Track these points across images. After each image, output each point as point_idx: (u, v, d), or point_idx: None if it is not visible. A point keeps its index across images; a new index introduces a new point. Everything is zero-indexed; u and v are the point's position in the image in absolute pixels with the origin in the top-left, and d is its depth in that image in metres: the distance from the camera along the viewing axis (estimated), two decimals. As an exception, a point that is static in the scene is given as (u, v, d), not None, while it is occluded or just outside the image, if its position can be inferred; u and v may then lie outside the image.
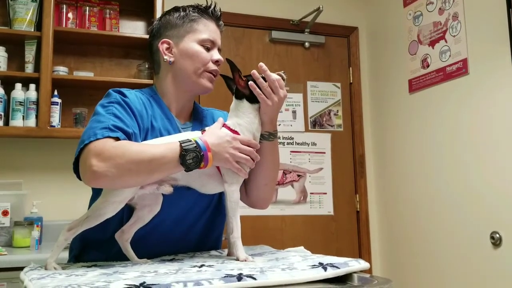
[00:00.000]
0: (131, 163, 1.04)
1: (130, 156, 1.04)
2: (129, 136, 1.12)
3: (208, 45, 1.29)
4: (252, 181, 1.28)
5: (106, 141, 1.06)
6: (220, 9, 1.35)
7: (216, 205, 1.32)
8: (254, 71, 1.18)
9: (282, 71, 1.21)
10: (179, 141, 1.07)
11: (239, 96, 1.20)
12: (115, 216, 1.10)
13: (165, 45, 1.29)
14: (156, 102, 1.28)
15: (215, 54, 1.30)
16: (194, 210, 1.27)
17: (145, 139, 1.19)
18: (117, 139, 1.08)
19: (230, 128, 1.17)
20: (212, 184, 1.18)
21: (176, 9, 1.33)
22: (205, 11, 1.32)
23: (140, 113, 1.20)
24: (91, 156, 1.04)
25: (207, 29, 1.30)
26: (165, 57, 1.28)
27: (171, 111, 1.30)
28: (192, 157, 1.06)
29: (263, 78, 1.17)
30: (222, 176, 1.16)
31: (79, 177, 1.10)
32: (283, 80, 1.19)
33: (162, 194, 1.16)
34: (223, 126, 1.17)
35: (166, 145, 1.08)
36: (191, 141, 1.08)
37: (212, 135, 1.12)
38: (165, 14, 1.35)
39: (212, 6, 1.34)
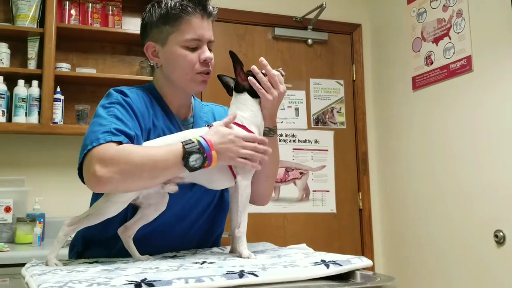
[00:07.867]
0: (134, 168, 1.03)
1: (134, 161, 1.03)
2: (131, 139, 1.10)
3: (193, 46, 1.20)
4: (253, 177, 1.27)
5: (108, 146, 1.05)
6: None
7: (218, 202, 1.31)
8: (254, 67, 1.18)
9: (281, 68, 1.22)
10: (182, 142, 1.06)
11: (239, 89, 1.19)
12: (118, 215, 1.10)
13: (151, 49, 1.25)
14: (156, 99, 1.26)
15: (203, 53, 1.21)
16: (197, 207, 1.27)
17: (147, 138, 1.18)
18: (120, 143, 1.07)
19: (237, 123, 1.15)
20: (220, 180, 1.16)
21: (158, 1, 1.23)
22: (188, 4, 1.19)
23: (142, 113, 1.18)
24: (94, 162, 1.03)
25: (191, 27, 1.19)
26: (151, 62, 1.27)
27: (171, 108, 1.28)
28: (195, 159, 1.04)
29: (263, 73, 1.17)
30: (234, 169, 1.14)
31: (84, 182, 1.09)
32: (282, 76, 1.20)
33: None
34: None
35: (168, 147, 1.07)
36: (193, 142, 1.06)
37: (215, 134, 1.09)
38: (150, 6, 1.26)
39: None
